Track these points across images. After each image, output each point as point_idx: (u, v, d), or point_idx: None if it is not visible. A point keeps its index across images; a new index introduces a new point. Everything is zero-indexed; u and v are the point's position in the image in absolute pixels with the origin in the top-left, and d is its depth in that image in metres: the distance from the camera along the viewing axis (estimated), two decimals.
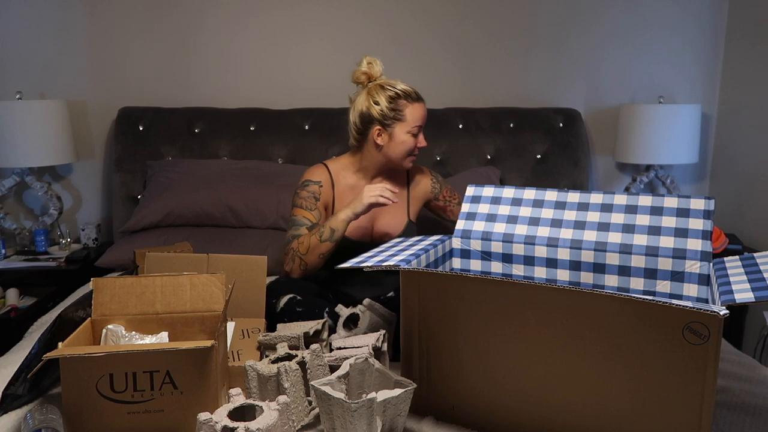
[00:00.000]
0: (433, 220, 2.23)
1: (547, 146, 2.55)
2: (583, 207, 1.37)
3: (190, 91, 2.63)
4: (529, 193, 1.44)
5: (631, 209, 1.32)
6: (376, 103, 1.68)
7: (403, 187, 1.84)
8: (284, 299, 1.46)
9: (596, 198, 1.36)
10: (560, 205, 1.39)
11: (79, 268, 2.35)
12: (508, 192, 1.46)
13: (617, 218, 1.32)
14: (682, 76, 2.66)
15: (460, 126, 2.55)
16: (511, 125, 2.56)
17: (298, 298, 1.47)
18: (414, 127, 1.69)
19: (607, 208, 1.34)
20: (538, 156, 2.55)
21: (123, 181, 2.50)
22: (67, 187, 2.69)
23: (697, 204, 1.26)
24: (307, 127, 2.55)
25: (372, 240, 1.79)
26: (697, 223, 1.25)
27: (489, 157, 2.55)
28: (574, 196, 1.39)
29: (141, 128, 2.52)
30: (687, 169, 2.73)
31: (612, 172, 2.77)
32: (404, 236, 1.73)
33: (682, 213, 1.27)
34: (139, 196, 2.47)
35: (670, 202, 1.29)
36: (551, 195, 1.42)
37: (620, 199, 1.34)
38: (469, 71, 2.67)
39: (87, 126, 2.64)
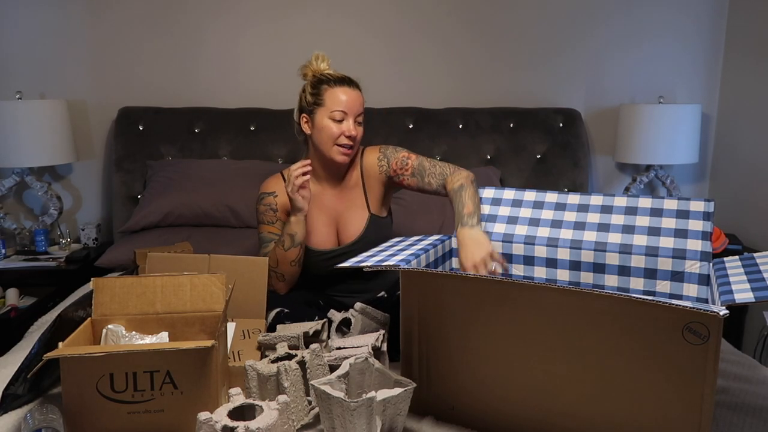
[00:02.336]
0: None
1: (547, 146, 2.55)
2: (583, 208, 1.37)
3: (190, 91, 2.63)
4: (530, 195, 1.44)
5: (631, 211, 1.32)
6: (303, 92, 1.65)
7: (358, 181, 1.71)
8: (272, 314, 1.44)
9: (596, 200, 1.36)
10: (560, 207, 1.39)
11: (79, 268, 2.35)
12: (509, 194, 1.46)
13: (617, 219, 1.32)
14: (682, 76, 2.66)
15: (460, 126, 2.55)
16: (511, 125, 2.56)
17: (286, 311, 1.45)
18: (335, 112, 1.57)
19: (607, 209, 1.34)
20: (538, 156, 2.55)
21: (123, 181, 2.50)
22: (67, 187, 2.69)
23: (697, 206, 1.26)
24: None
25: (339, 244, 1.69)
26: (696, 224, 1.25)
27: (489, 157, 2.55)
28: (574, 198, 1.39)
29: (141, 128, 2.52)
30: (687, 169, 2.73)
31: (612, 172, 2.77)
32: (370, 231, 1.67)
33: (682, 215, 1.27)
34: (139, 196, 2.47)
35: (670, 204, 1.29)
36: (551, 197, 1.42)
37: (620, 200, 1.34)
38: (469, 71, 2.67)
39: (87, 126, 2.64)
